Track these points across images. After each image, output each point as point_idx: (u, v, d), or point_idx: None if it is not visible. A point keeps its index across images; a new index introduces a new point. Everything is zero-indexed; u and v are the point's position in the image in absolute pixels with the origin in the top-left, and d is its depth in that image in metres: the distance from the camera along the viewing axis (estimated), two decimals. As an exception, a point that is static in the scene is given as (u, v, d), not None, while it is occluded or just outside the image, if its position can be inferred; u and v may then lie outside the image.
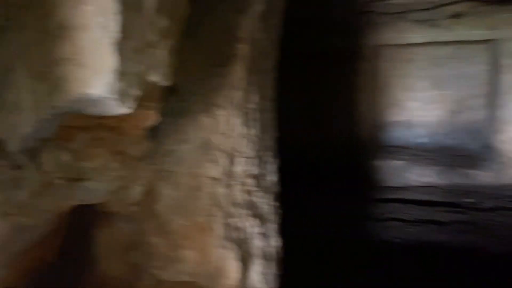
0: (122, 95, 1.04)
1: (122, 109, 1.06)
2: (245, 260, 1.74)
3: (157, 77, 1.16)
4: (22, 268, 1.66)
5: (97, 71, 0.99)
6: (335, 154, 5.26)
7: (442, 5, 4.73)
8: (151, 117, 1.35)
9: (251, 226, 1.79)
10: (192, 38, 1.58)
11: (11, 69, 1.06)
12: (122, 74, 1.02)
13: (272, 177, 2.02)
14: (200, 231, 1.60)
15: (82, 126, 1.33)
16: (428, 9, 4.82)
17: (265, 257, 1.88)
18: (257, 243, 1.82)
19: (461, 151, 5.55)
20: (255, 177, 1.83)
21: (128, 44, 1.02)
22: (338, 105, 5.54)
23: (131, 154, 1.51)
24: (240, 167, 1.73)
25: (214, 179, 1.62)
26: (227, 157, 1.67)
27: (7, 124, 1.13)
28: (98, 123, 1.33)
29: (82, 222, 1.72)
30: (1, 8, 1.05)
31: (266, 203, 1.94)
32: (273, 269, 1.95)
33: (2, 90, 1.10)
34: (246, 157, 1.76)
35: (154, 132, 1.54)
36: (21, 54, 1.04)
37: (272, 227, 1.98)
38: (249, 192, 1.80)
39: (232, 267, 1.67)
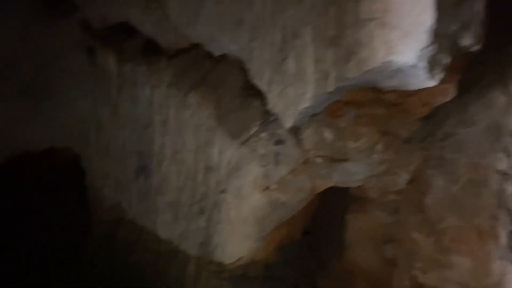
0: (432, 64, 0.80)
1: (428, 82, 0.83)
2: (531, 279, 1.35)
3: (469, 40, 0.88)
4: (273, 243, 1.65)
5: (407, 32, 0.77)
6: None
7: None
8: (448, 92, 1.06)
9: (541, 237, 1.37)
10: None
11: (296, 35, 0.94)
12: (436, 35, 0.78)
13: None
14: (479, 236, 1.28)
15: (355, 101, 1.15)
16: None
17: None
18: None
19: None
20: (551, 173, 1.39)
21: (447, -5, 0.77)
22: None
23: (401, 135, 1.28)
24: (535, 159, 1.32)
25: (503, 173, 1.26)
26: (522, 146, 1.29)
27: (285, 97, 1.02)
28: (376, 97, 1.12)
29: (333, 204, 1.60)
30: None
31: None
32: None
33: (284, 59, 1.00)
34: (545, 147, 1.33)
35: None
36: (310, 17, 0.90)
37: None
38: (542, 193, 1.38)
39: (514, 285, 1.31)
